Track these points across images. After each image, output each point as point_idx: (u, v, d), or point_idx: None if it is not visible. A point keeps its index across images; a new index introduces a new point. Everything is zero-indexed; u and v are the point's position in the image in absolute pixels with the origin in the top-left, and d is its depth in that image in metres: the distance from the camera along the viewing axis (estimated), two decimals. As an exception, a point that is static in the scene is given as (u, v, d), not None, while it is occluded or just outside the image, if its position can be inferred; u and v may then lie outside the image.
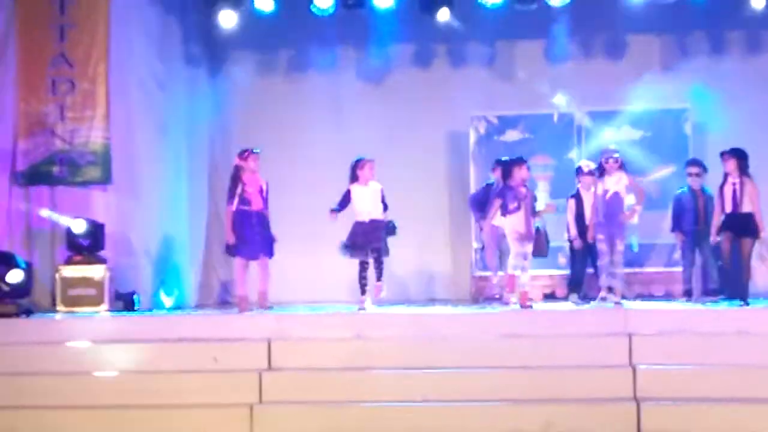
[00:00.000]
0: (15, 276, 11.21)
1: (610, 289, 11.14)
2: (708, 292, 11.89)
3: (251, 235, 11.15)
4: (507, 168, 11.30)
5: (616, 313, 10.08)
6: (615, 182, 11.16)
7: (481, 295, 13.36)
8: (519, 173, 11.15)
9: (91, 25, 12.46)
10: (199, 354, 9.69)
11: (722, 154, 11.11)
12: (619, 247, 11.09)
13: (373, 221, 11.14)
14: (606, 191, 11.16)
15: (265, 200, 11.33)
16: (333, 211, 11.12)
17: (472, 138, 14.09)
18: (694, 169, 12.12)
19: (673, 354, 9.25)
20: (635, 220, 11.75)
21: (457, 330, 9.86)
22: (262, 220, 11.26)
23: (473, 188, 13.65)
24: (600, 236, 11.16)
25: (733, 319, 9.81)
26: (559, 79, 14.32)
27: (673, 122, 13.69)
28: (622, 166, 11.23)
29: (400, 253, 12.05)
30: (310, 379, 9.35)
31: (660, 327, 9.65)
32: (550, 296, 13.33)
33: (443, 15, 13.67)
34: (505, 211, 11.11)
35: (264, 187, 11.37)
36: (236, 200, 11.13)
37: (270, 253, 11.33)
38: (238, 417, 9.10)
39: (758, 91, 14.03)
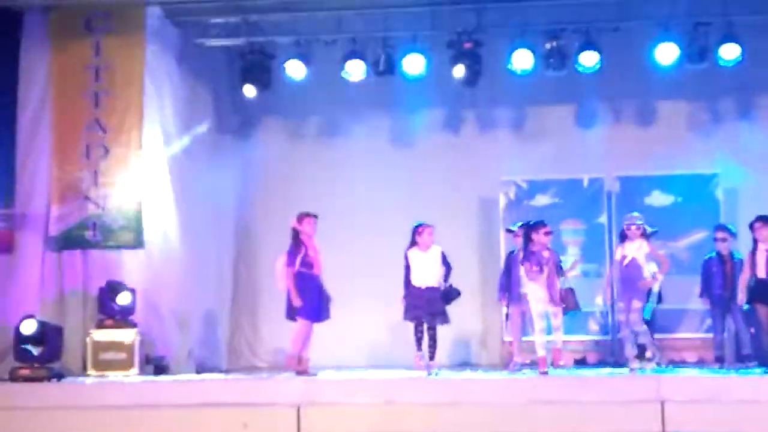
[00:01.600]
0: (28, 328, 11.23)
1: (639, 358, 10.99)
2: (741, 359, 11.78)
3: (315, 298, 11.18)
4: (526, 233, 11.33)
5: (648, 380, 9.99)
6: (635, 249, 11.11)
7: (511, 359, 13.26)
8: (538, 237, 11.16)
9: (126, 93, 12.66)
10: (229, 419, 9.67)
11: (753, 222, 11.05)
12: (636, 305, 10.99)
13: (430, 288, 11.21)
14: (624, 257, 11.12)
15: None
16: (405, 283, 11.26)
17: (502, 203, 14.09)
18: (721, 234, 12.08)
19: (707, 422, 9.14)
20: (656, 288, 11.66)
21: (487, 395, 9.80)
22: (321, 283, 11.32)
23: (503, 252, 13.60)
24: (620, 304, 11.08)
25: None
26: (589, 144, 14.37)
27: (704, 187, 13.64)
28: (644, 234, 11.18)
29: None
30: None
31: (693, 394, 9.55)
32: (581, 362, 13.23)
33: (474, 78, 13.71)
34: (528, 277, 11.10)
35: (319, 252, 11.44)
36: (298, 263, 11.16)
37: (328, 316, 11.35)
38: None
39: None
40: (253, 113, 15.03)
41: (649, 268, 11.15)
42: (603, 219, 13.77)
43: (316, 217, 11.44)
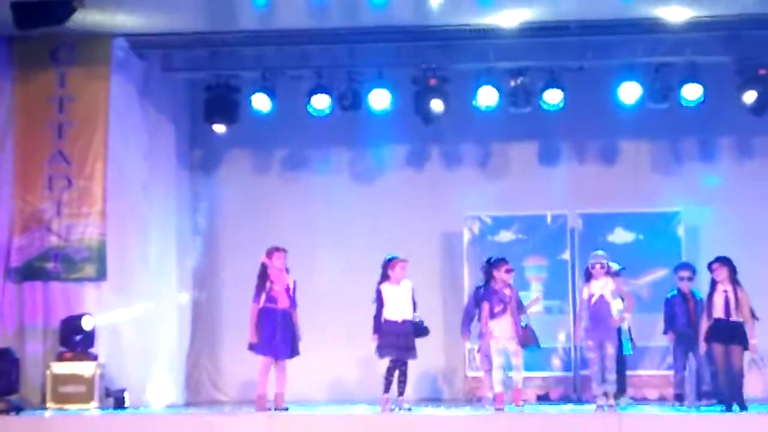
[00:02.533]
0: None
1: (605, 395, 11.00)
2: (701, 396, 11.83)
3: (275, 334, 11.01)
4: (487, 271, 11.33)
5: (610, 417, 10.02)
6: (601, 287, 11.12)
7: (474, 396, 13.28)
8: (499, 275, 11.18)
9: (89, 124, 12.61)
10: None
11: (712, 263, 11.11)
12: (610, 350, 10.98)
13: (405, 322, 11.10)
14: (591, 295, 11.14)
15: (292, 299, 11.21)
16: (376, 318, 11.08)
17: (466, 238, 14.14)
18: (685, 273, 12.14)
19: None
20: (625, 325, 11.72)
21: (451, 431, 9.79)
22: (287, 319, 11.12)
23: (467, 287, 13.65)
24: (589, 342, 11.06)
25: (728, 424, 9.75)
26: (553, 181, 14.48)
27: (666, 225, 13.76)
28: (609, 272, 11.22)
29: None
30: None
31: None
32: (543, 398, 13.25)
33: (438, 114, 13.78)
34: (491, 315, 11.11)
35: (291, 286, 11.28)
36: (263, 298, 11.07)
37: (293, 353, 11.15)
38: None
39: (749, 194, 14.17)
40: (217, 146, 15.02)
41: (616, 306, 11.19)
42: (566, 255, 13.84)
43: (285, 251, 11.29)
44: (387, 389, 11.00)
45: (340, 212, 14.80)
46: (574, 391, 13.45)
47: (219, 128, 14.02)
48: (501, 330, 11.03)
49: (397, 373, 11.06)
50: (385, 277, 11.19)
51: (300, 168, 15.05)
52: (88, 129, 12.58)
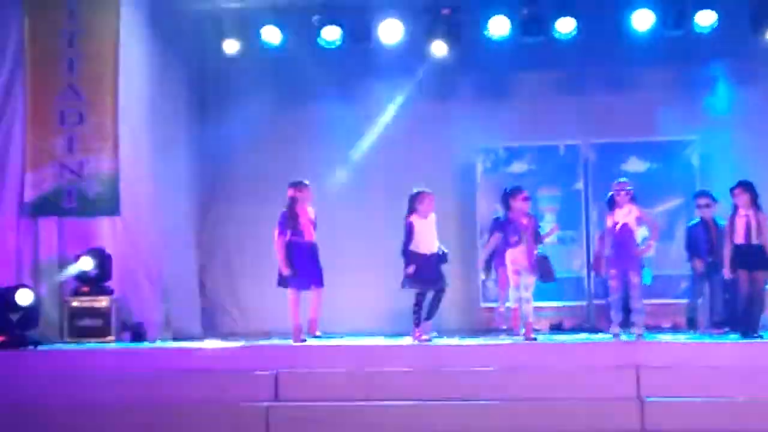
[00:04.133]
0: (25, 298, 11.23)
1: (631, 324, 10.98)
2: (714, 325, 11.86)
3: (305, 266, 11.12)
4: (504, 200, 11.28)
5: (623, 346, 10.06)
6: (625, 214, 11.03)
7: (489, 326, 13.35)
8: (516, 204, 11.13)
9: (100, 57, 12.53)
10: (207, 386, 9.67)
11: (734, 188, 11.04)
12: (634, 280, 10.93)
13: (433, 254, 11.09)
14: (616, 223, 11.06)
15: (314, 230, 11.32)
16: (406, 250, 11.00)
17: (479, 170, 14.11)
18: (703, 201, 12.08)
19: (683, 387, 9.20)
20: (651, 253, 11.66)
21: (464, 362, 9.84)
22: (313, 250, 11.26)
23: (480, 219, 13.68)
24: (612, 271, 11.02)
25: (744, 352, 9.78)
26: (566, 111, 14.40)
27: (680, 154, 13.71)
28: (633, 199, 11.14)
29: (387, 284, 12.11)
30: (318, 412, 9.32)
31: (669, 360, 9.62)
32: (557, 328, 13.31)
33: (451, 45, 13.71)
34: (506, 244, 11.10)
35: (313, 218, 11.38)
36: (289, 232, 11.11)
37: (322, 283, 11.26)
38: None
39: (763, 120, 14.07)
40: (227, 79, 14.94)
41: (641, 234, 11.15)
42: (579, 186, 13.84)
43: (308, 184, 11.35)
44: (418, 322, 11.05)
45: (352, 145, 14.77)
46: (588, 321, 13.50)
47: (230, 59, 13.91)
48: (516, 258, 11.03)
49: (432, 301, 11.08)
50: (413, 210, 11.12)
51: (311, 101, 14.97)
52: (98, 63, 12.50)
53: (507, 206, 11.20)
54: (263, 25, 13.71)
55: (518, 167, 14.03)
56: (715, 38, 13.62)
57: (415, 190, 11.24)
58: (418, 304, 11.07)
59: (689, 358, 9.69)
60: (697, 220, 12.13)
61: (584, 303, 13.65)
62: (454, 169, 14.70)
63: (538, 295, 12.07)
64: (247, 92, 15.05)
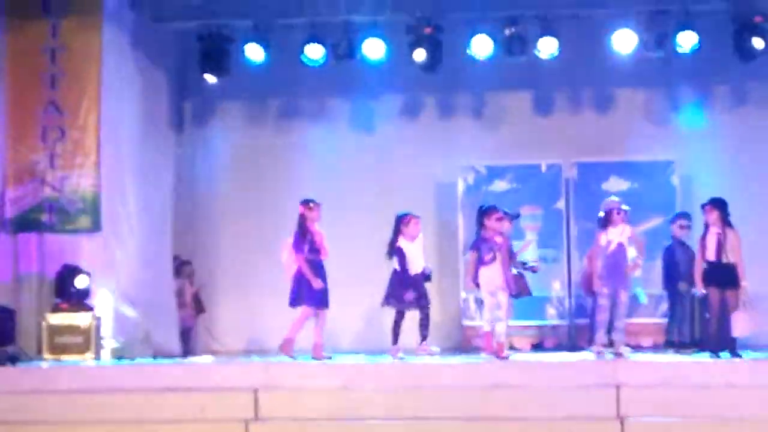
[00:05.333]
0: None
1: (610, 343, 11.02)
2: (683, 345, 11.90)
3: (322, 285, 11.15)
4: (479, 219, 11.38)
5: (604, 365, 10.07)
6: (619, 233, 11.11)
7: (470, 345, 13.34)
8: (490, 223, 11.18)
9: (82, 75, 12.52)
10: (186, 404, 9.63)
11: (704, 205, 11.12)
12: (624, 299, 11.00)
13: (418, 275, 11.31)
14: (609, 242, 11.10)
15: None
16: (401, 272, 11.21)
17: (461, 188, 14.13)
18: (686, 222, 12.15)
19: (662, 406, 9.21)
20: (638, 272, 11.75)
21: (445, 380, 9.83)
22: (324, 270, 11.31)
23: (461, 238, 13.70)
24: (604, 290, 11.07)
25: (722, 371, 9.80)
26: (548, 130, 14.45)
27: (660, 174, 13.77)
28: (626, 218, 11.20)
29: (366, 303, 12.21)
30: (297, 430, 9.29)
31: (649, 379, 9.63)
32: (537, 347, 13.31)
33: (433, 64, 13.74)
34: (480, 263, 11.14)
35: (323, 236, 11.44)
36: (306, 248, 11.13)
37: (328, 304, 11.32)
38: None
39: (744, 142, 14.16)
40: (210, 97, 14.94)
41: (630, 253, 11.20)
42: (561, 204, 13.86)
43: (318, 203, 11.44)
44: (397, 339, 11.19)
45: (334, 163, 14.75)
46: (569, 340, 13.51)
47: (211, 78, 13.97)
48: (490, 278, 11.06)
49: (421, 320, 11.29)
50: (399, 232, 11.26)
51: (293, 119, 14.98)
52: (80, 79, 12.50)
53: (481, 225, 11.27)
54: (246, 43, 13.70)
55: (500, 186, 14.04)
56: (697, 59, 13.67)
57: (400, 213, 11.29)
58: (397, 323, 11.15)
59: (669, 377, 9.71)
60: (670, 242, 12.18)
61: (565, 322, 13.65)
62: (435, 187, 14.69)
63: (520, 314, 12.11)
64: (229, 110, 15.05)
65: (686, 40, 13.28)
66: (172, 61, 14.37)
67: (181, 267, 14.26)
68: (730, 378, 9.61)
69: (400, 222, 11.27)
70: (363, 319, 13.51)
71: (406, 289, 11.17)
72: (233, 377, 10.06)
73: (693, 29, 13.22)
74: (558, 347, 13.20)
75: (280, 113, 15.11)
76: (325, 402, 9.53)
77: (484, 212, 11.32)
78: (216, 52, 13.83)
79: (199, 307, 14.33)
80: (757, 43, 13.15)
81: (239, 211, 14.82)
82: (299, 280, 11.14)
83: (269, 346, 12.03)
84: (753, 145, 14.18)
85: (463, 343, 13.64)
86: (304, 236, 11.17)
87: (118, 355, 12.01)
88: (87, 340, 11.76)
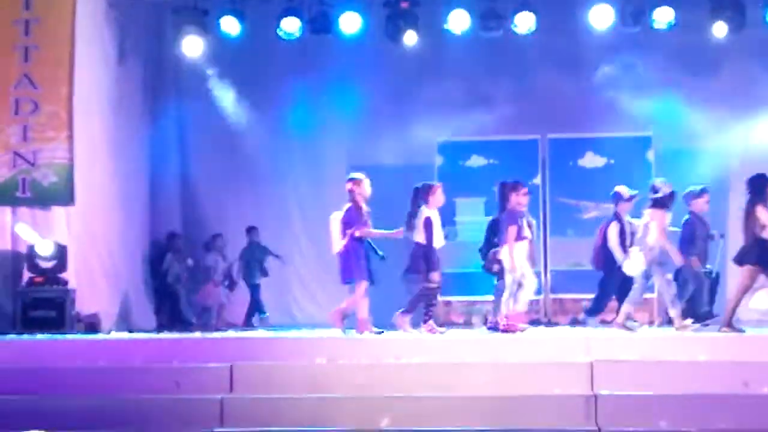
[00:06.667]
0: None
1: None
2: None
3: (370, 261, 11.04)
4: (503, 193, 11.15)
5: (577, 341, 10.10)
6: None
7: (448, 320, 13.38)
8: (518, 198, 11.02)
9: (55, 47, 12.37)
10: (161, 378, 9.59)
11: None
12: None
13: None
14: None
15: None
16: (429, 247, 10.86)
17: (438, 164, 14.12)
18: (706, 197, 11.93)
19: (636, 382, 9.23)
20: None
21: (419, 355, 9.82)
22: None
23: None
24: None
25: (698, 346, 9.84)
26: (525, 106, 14.44)
27: (637, 150, 13.80)
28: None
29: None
30: (272, 404, 9.27)
31: (623, 354, 9.66)
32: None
33: (410, 39, 13.70)
34: (519, 237, 10.98)
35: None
36: (361, 223, 10.92)
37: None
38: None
39: (719, 117, 14.17)
40: (185, 70, 14.85)
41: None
42: (537, 180, 13.87)
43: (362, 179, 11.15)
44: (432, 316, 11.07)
45: (311, 138, 14.73)
46: (545, 315, 13.56)
47: (189, 50, 13.86)
48: (522, 252, 11.00)
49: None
50: (423, 202, 10.92)
51: (269, 92, 14.92)
52: (54, 52, 12.35)
53: (506, 199, 11.07)
54: (222, 16, 13.62)
55: (477, 161, 14.05)
56: (673, 35, 13.69)
57: (424, 183, 11.09)
58: (432, 304, 11.03)
59: (644, 352, 9.73)
60: (688, 217, 11.88)
61: (541, 297, 13.69)
62: (412, 163, 14.67)
63: (491, 291, 12.10)
64: (205, 82, 14.97)
65: (663, 16, 13.29)
66: (147, 34, 14.26)
67: (213, 240, 14.21)
68: (708, 354, 9.63)
69: (426, 192, 10.94)
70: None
71: (434, 266, 10.85)
72: (208, 352, 10.02)
73: (670, 4, 13.23)
74: (534, 322, 13.22)
75: (255, 86, 15.02)
76: (299, 376, 9.50)
77: (511, 187, 11.10)
78: (191, 25, 13.72)
79: (231, 282, 14.28)
80: (730, 20, 13.18)
81: (213, 183, 14.80)
82: (349, 256, 10.93)
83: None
84: (728, 121, 14.21)
85: (440, 318, 13.65)
86: (358, 211, 10.96)
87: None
88: (61, 315, 11.69)
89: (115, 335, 11.97)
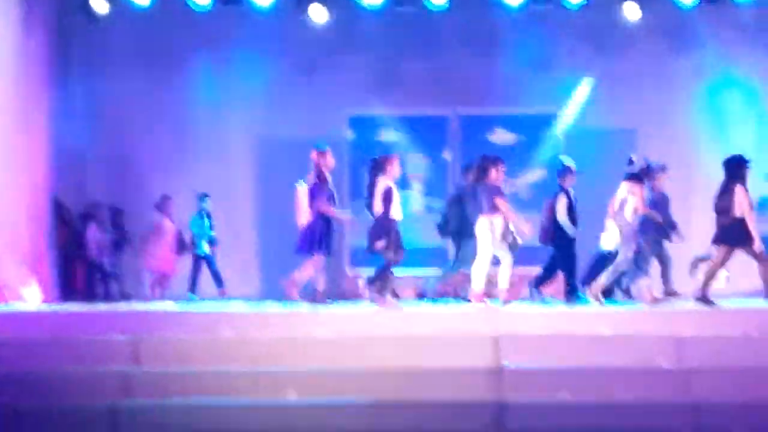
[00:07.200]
0: None
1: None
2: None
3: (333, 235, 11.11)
4: (484, 166, 11.10)
5: (484, 315, 10.19)
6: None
7: (356, 293, 13.40)
8: (497, 174, 11.02)
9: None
10: (68, 350, 9.46)
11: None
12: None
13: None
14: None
15: None
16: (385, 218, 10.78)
17: (349, 138, 14.10)
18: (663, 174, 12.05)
19: (541, 355, 9.33)
20: None
21: (323, 328, 9.83)
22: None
23: (348, 188, 13.69)
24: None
25: (604, 321, 9.99)
26: (435, 81, 14.47)
27: (545, 126, 13.93)
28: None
29: (276, 251, 12.24)
30: (177, 377, 9.19)
31: (529, 328, 9.77)
32: (421, 296, 13.40)
33: (319, 13, 13.65)
34: (491, 210, 10.95)
35: None
36: (325, 196, 10.97)
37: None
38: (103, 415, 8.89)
39: (624, 95, 14.36)
40: (93, 41, 14.58)
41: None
42: (447, 155, 13.94)
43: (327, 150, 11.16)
44: (394, 293, 11.07)
45: (221, 110, 14.62)
46: (454, 290, 13.63)
47: (96, 20, 13.59)
48: (499, 225, 11.01)
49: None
50: (382, 173, 10.87)
51: (179, 63, 14.74)
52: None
53: (486, 173, 11.05)
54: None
55: (387, 136, 14.07)
56: (583, 12, 13.81)
57: (381, 154, 11.07)
58: (390, 277, 10.98)
59: (549, 326, 9.84)
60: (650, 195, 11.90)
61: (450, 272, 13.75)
62: (323, 136, 14.56)
63: (405, 264, 12.12)
64: (113, 56, 14.71)
65: (575, -6, 13.43)
66: (52, 4, 13.94)
67: (163, 202, 13.80)
68: (613, 328, 9.77)
69: (385, 163, 10.90)
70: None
71: (396, 237, 10.80)
72: (112, 325, 9.91)
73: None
74: (443, 296, 13.29)
75: (165, 58, 14.81)
76: (201, 350, 9.43)
77: (492, 161, 11.09)
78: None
79: (182, 248, 13.93)
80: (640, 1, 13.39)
81: (119, 155, 14.61)
82: (313, 228, 10.96)
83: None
84: (638, 95, 14.40)
85: (348, 292, 13.67)
86: (323, 183, 10.95)
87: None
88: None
89: (21, 306, 11.77)
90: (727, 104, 14.63)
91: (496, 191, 10.94)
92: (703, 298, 10.74)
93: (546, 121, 13.99)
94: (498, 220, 10.94)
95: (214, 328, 9.78)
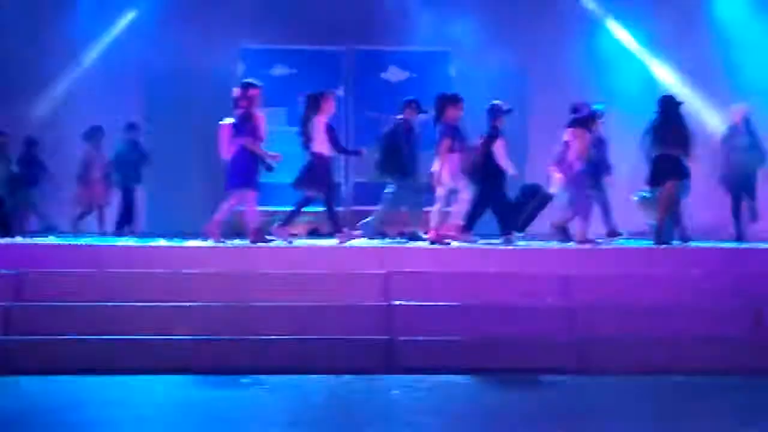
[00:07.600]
0: None
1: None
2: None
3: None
4: (441, 105, 11.05)
5: (373, 253, 10.20)
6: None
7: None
8: (455, 112, 11.00)
9: None
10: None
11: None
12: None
13: (330, 158, 10.98)
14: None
15: None
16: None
17: (240, 70, 13.90)
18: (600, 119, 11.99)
19: (429, 293, 9.38)
20: None
21: (212, 264, 9.74)
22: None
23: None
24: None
25: (491, 259, 10.08)
26: (329, 16, 14.30)
27: (438, 65, 13.93)
28: None
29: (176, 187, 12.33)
30: (59, 313, 9.02)
31: (417, 266, 9.81)
32: (313, 232, 13.37)
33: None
34: (452, 150, 10.99)
35: None
36: (249, 131, 10.70)
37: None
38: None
39: (517, 35, 14.39)
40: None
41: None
42: (341, 92, 13.84)
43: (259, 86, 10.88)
44: (290, 222, 11.08)
45: (108, 43, 14.30)
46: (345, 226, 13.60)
47: None
48: (453, 166, 10.97)
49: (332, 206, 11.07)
50: (317, 110, 10.81)
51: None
52: None
53: (443, 112, 11.00)
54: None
55: (280, 70, 13.91)
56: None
57: (318, 91, 10.92)
58: (304, 204, 11.01)
59: (438, 264, 9.91)
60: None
61: (342, 209, 13.74)
62: (214, 70, 14.38)
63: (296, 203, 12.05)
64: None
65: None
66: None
67: (91, 133, 13.36)
68: (500, 265, 9.89)
69: (320, 100, 10.83)
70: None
71: (324, 172, 10.86)
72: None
73: None
74: (381, 235, 13.20)
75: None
76: (83, 285, 9.27)
77: (449, 99, 11.04)
78: None
79: (109, 181, 13.46)
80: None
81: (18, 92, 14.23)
82: (238, 164, 10.75)
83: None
84: (527, 36, 14.44)
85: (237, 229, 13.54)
86: (247, 120, 10.72)
87: None
88: None
89: None
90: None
91: (448, 131, 10.94)
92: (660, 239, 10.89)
93: (438, 59, 13.97)
94: (454, 158, 10.96)
95: (103, 263, 9.63)
